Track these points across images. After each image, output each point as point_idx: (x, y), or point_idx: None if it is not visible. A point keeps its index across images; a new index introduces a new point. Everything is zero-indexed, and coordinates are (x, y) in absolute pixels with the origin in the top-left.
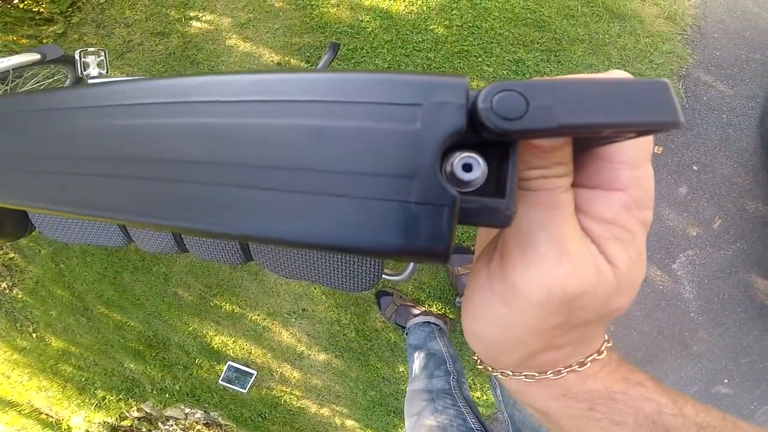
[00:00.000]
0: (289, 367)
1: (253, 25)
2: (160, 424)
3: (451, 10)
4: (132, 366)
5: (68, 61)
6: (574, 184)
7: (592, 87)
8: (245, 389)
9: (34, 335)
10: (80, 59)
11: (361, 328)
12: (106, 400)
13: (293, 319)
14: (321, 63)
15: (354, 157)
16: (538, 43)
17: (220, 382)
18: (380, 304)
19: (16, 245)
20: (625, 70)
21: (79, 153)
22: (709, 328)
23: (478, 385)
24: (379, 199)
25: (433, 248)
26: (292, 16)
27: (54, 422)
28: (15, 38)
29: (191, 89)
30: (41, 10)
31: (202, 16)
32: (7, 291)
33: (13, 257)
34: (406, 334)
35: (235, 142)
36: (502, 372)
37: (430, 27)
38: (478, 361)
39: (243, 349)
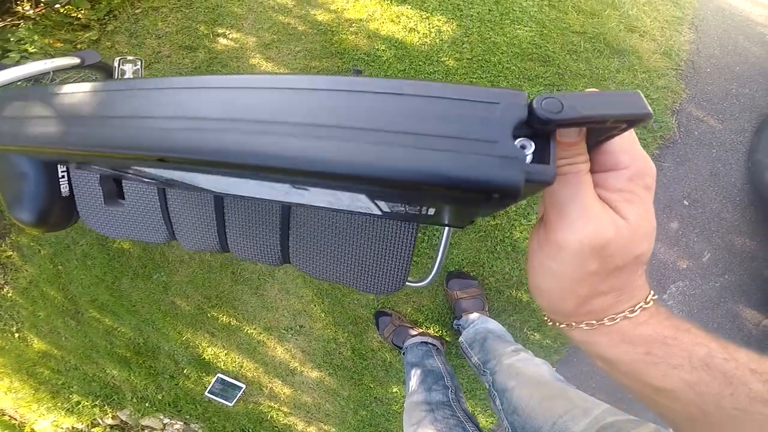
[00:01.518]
0: (279, 382)
1: (276, 46)
2: None
3: (462, 44)
4: (115, 372)
5: (101, 67)
6: (592, 171)
7: (600, 96)
8: (231, 403)
9: (16, 335)
10: (118, 66)
11: (357, 347)
12: (80, 405)
13: (289, 335)
14: None
15: (462, 128)
16: (542, 77)
17: (206, 393)
18: (378, 324)
19: (17, 244)
20: None
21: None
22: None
23: (476, 401)
24: (478, 154)
25: (513, 185)
26: (314, 40)
27: (17, 425)
28: (51, 41)
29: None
30: (79, 16)
31: (229, 34)
32: None
33: (11, 255)
34: (404, 353)
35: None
36: (567, 324)
37: (442, 59)
38: (547, 318)
39: (234, 362)
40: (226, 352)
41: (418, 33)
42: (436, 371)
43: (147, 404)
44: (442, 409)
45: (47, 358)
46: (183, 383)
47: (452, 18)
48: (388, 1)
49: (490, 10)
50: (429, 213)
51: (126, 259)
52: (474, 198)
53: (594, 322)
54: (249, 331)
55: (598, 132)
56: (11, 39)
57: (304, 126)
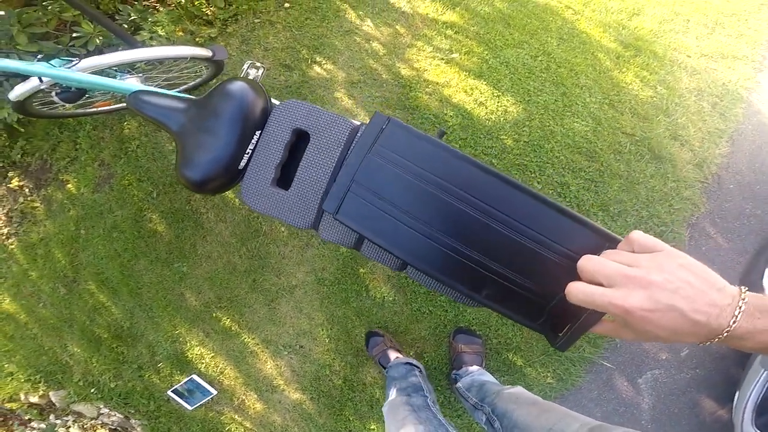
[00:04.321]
0: (255, 396)
1: (360, 87)
2: (52, 416)
3: (523, 127)
4: (76, 350)
5: (216, 62)
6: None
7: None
8: (192, 407)
9: None
10: (247, 68)
11: (350, 378)
12: (11, 377)
13: (285, 352)
14: None
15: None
16: (584, 171)
17: (168, 392)
18: (368, 343)
19: (48, 198)
20: (646, 211)
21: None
22: None
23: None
24: (540, 302)
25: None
26: (392, 90)
27: None
28: (176, 29)
29: None
30: (208, 12)
31: (324, 63)
32: (3, 238)
33: (37, 207)
34: (387, 370)
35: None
36: (728, 331)
37: (501, 137)
38: (702, 342)
39: (217, 367)
40: (212, 355)
41: (486, 108)
42: (417, 385)
43: (93, 390)
44: (424, 411)
45: (7, 321)
46: (149, 377)
47: (520, 101)
48: (466, 73)
49: (555, 100)
50: None
51: (155, 241)
52: None
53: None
54: (246, 340)
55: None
56: (149, 19)
57: None
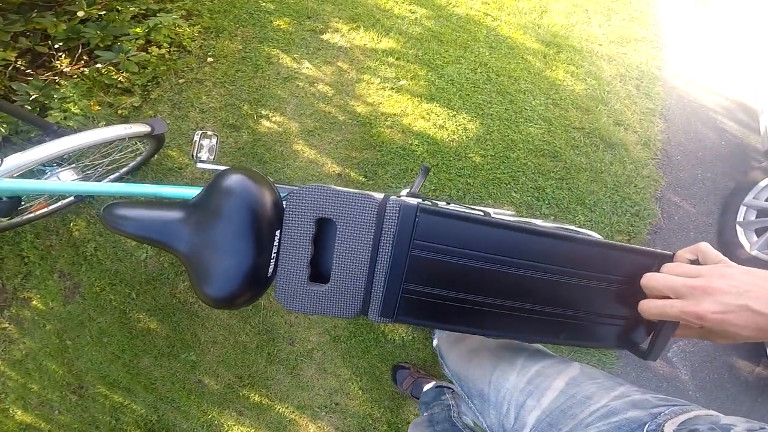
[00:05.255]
0: None
1: (319, 134)
2: None
3: (486, 141)
4: None
5: (155, 137)
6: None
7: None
8: None
9: None
10: (198, 141)
11: (393, 421)
12: None
13: (323, 413)
14: (415, 184)
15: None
16: (553, 172)
17: None
18: (396, 378)
19: (17, 317)
20: (618, 195)
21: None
22: (706, 403)
23: None
24: (613, 326)
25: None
26: (353, 131)
27: None
28: (92, 103)
29: None
30: (121, 79)
31: (272, 116)
32: None
33: (6, 328)
34: (420, 399)
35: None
36: None
37: (469, 155)
38: None
39: None
40: (253, 430)
41: (447, 130)
42: (445, 403)
43: None
44: (441, 424)
45: (29, 430)
46: None
47: (475, 116)
48: (419, 98)
49: (506, 109)
50: None
51: (151, 338)
52: None
53: None
54: (280, 410)
55: None
56: (55, 96)
57: None
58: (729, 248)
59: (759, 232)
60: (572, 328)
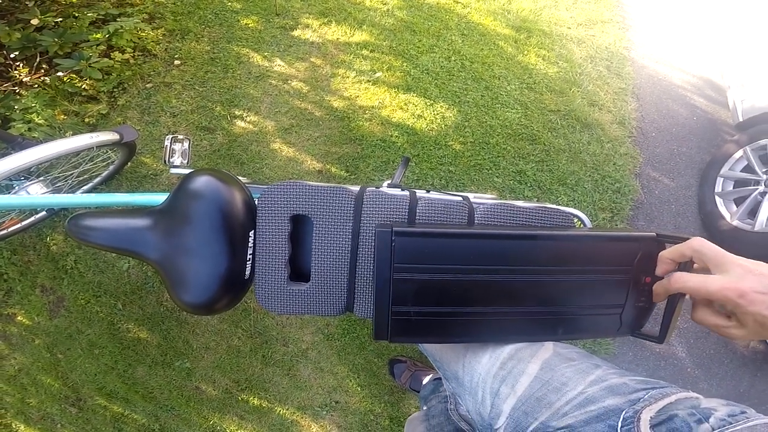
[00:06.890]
0: None
1: (296, 131)
2: None
3: (464, 128)
4: None
5: (127, 144)
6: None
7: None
8: None
9: None
10: (169, 146)
11: (395, 415)
12: None
13: (324, 412)
14: (396, 175)
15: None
16: (532, 155)
17: None
18: (394, 372)
19: (3, 333)
20: (598, 174)
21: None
22: (706, 380)
23: None
24: (610, 315)
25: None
26: (331, 126)
27: None
28: (56, 113)
29: None
30: (85, 86)
31: (246, 116)
32: None
33: None
34: (420, 394)
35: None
36: None
37: (449, 143)
38: None
39: None
40: None
41: (425, 119)
42: (444, 395)
43: None
44: (436, 418)
45: None
46: None
47: (452, 104)
48: (395, 89)
49: (482, 96)
50: None
51: (143, 347)
52: None
53: None
54: (281, 412)
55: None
56: (15, 108)
57: None
58: (711, 219)
59: (738, 202)
60: (568, 322)
